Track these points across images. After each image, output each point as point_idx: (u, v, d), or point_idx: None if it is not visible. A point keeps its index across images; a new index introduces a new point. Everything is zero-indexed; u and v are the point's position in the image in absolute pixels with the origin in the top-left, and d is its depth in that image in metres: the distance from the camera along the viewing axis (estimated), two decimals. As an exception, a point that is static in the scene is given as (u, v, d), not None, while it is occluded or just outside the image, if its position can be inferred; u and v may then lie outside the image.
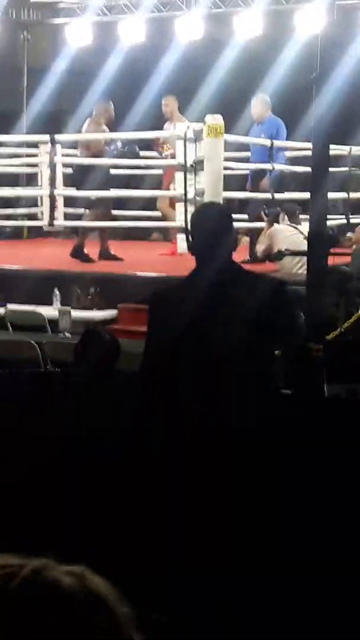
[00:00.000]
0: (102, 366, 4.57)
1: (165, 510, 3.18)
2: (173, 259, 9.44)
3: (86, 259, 9.52)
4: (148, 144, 10.70)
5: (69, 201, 10.82)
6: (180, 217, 9.07)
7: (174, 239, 9.98)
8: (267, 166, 9.79)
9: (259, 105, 10.04)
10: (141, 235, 12.80)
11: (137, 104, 13.85)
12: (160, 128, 10.30)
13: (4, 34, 14.91)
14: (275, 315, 3.42)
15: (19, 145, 12.36)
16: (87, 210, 10.00)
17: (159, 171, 10.53)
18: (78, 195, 10.18)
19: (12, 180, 11.89)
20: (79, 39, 14.51)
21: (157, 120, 10.57)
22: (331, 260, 7.10)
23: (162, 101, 10.48)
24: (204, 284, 3.39)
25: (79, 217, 10.54)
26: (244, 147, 10.55)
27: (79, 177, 9.88)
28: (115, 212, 11.82)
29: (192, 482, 3.17)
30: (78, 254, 9.59)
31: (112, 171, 10.11)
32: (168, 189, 9.99)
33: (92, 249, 9.71)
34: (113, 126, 10.32)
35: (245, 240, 10.21)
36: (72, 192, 10.23)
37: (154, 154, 10.68)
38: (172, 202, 9.77)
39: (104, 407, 3.64)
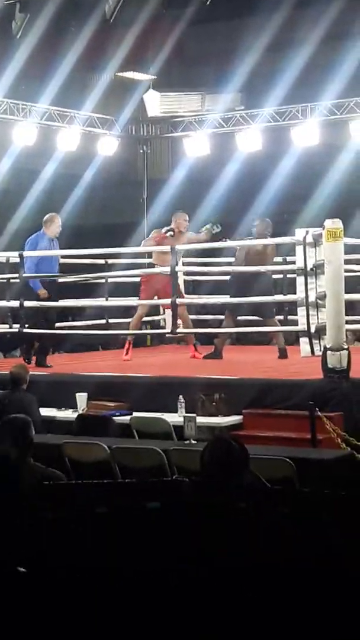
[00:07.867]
0: (230, 475, 4.51)
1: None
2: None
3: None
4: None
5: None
6: (302, 320, 9.09)
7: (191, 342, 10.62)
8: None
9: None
10: (258, 339, 12.83)
11: (252, 211, 14.05)
12: (278, 235, 10.41)
13: (125, 149, 15.49)
14: None
15: (137, 256, 12.52)
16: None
17: (279, 275, 10.54)
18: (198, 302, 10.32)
19: (130, 290, 12.07)
20: (196, 150, 14.93)
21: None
22: None
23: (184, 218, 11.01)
24: None
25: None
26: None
27: None
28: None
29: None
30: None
31: None
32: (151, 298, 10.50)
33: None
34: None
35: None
36: (194, 299, 10.37)
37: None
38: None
39: (236, 518, 3.59)
